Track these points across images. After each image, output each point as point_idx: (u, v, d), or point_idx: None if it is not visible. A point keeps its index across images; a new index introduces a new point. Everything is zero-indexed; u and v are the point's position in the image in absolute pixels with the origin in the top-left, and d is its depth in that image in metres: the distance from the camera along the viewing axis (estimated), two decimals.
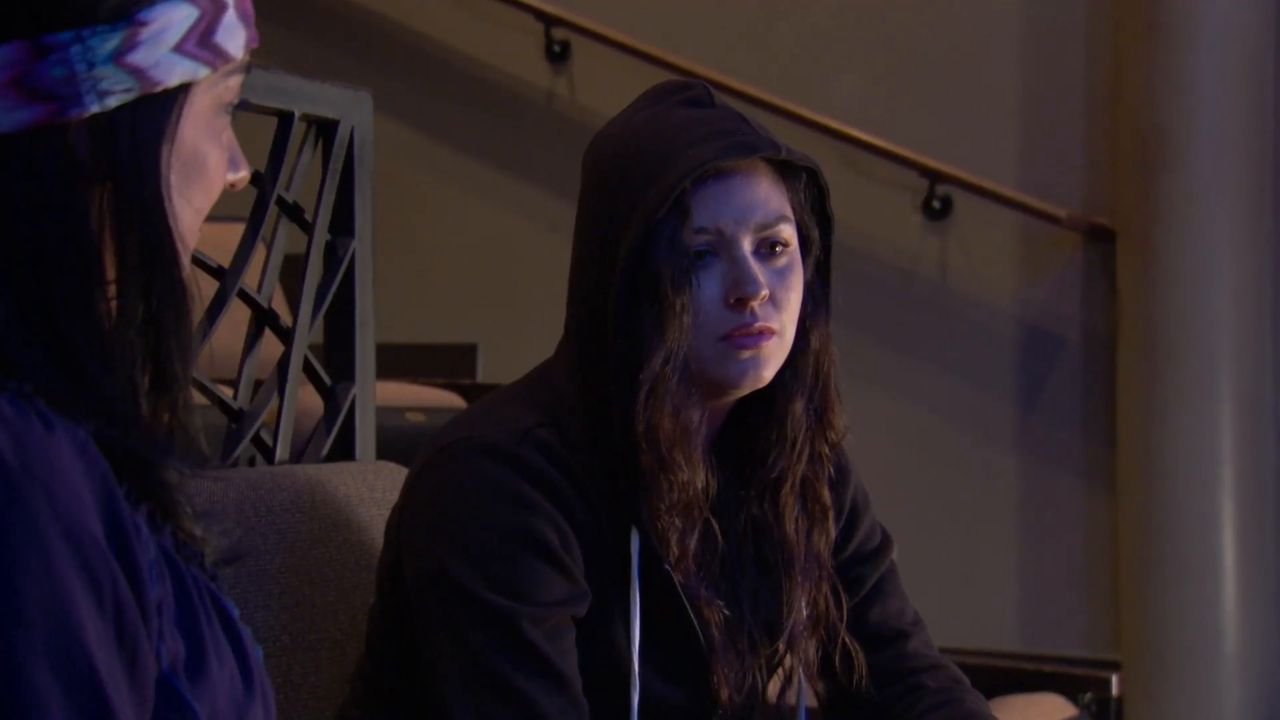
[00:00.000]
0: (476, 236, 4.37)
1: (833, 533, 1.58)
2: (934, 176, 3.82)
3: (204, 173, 1.01)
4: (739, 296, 1.45)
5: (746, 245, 1.46)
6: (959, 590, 3.81)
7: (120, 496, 0.91)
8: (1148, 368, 3.52)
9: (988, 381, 3.84)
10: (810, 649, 1.55)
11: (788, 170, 1.49)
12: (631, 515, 1.45)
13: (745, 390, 1.48)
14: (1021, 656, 3.66)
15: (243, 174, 1.06)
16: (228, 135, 1.04)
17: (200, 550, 1.02)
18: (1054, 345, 3.79)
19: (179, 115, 0.98)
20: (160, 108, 0.97)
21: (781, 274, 1.48)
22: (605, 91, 4.14)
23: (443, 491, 1.46)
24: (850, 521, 1.64)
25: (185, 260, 0.99)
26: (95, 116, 0.95)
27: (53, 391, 0.92)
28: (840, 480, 1.62)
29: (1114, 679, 3.16)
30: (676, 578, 1.46)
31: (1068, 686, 3.06)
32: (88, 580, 0.87)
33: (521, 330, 4.41)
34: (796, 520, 1.54)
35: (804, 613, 1.54)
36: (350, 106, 1.94)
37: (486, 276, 4.36)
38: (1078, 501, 3.75)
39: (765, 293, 1.45)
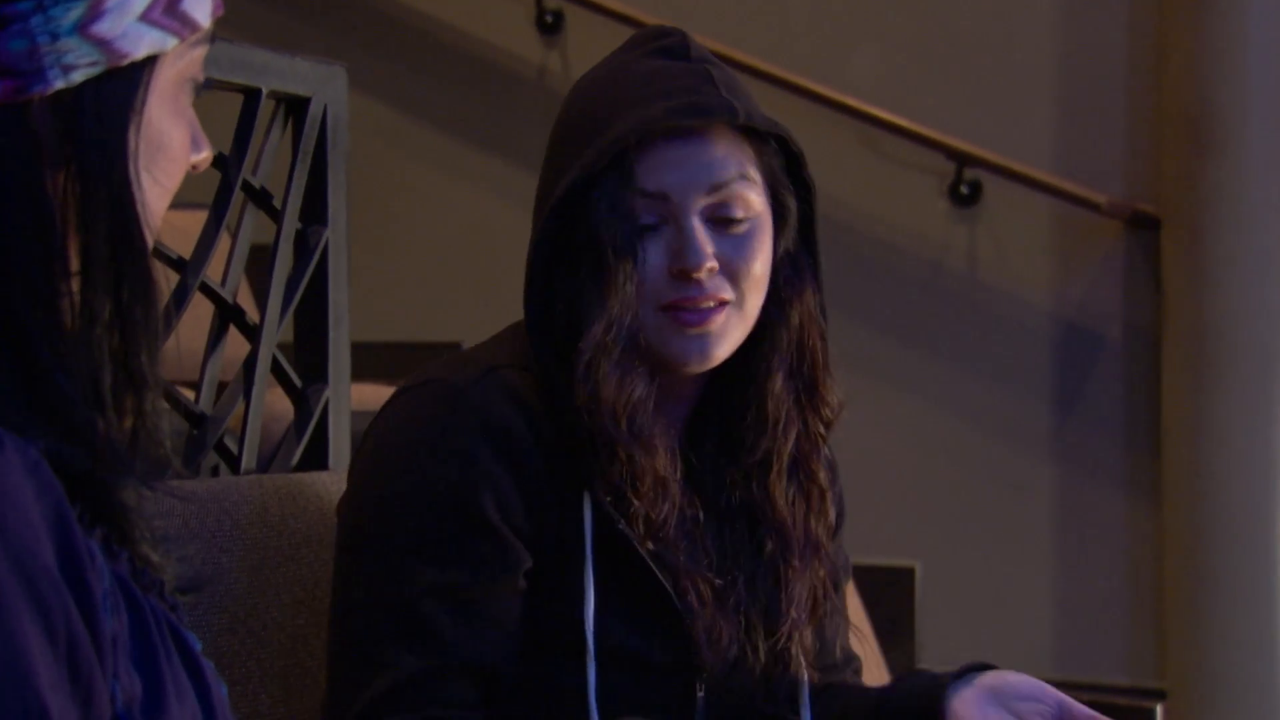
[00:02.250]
0: (461, 224, 4.36)
1: (831, 515, 1.61)
2: (962, 159, 3.82)
3: (169, 154, 1.00)
4: (682, 268, 1.47)
5: (696, 212, 1.48)
6: (989, 612, 3.80)
7: (74, 521, 0.91)
8: (1196, 368, 3.51)
9: (1020, 384, 3.83)
10: (808, 636, 1.58)
11: (754, 134, 1.50)
12: (584, 480, 1.48)
13: (696, 368, 1.51)
14: (1058, 685, 3.66)
15: (205, 155, 1.06)
16: (191, 113, 1.03)
17: (159, 578, 1.01)
18: (1093, 344, 3.79)
19: (146, 91, 0.98)
20: (127, 83, 0.97)
21: (738, 242, 1.50)
22: None
23: (385, 439, 1.51)
24: (836, 525, 1.67)
25: (152, 249, 1.00)
26: (59, 93, 0.94)
27: (4, 399, 0.92)
28: (831, 471, 1.65)
29: (1159, 709, 3.16)
30: (646, 546, 1.48)
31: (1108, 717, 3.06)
32: (39, 615, 0.87)
33: (509, 327, 4.40)
34: (791, 503, 1.56)
35: (804, 600, 1.56)
36: (322, 82, 1.94)
37: (471, 269, 4.36)
38: (1119, 515, 3.74)
39: (711, 264, 1.47)
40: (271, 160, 1.90)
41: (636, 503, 1.48)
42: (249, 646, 1.63)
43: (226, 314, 1.85)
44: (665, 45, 1.52)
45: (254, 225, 1.89)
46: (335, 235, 1.95)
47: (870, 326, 3.89)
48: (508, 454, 1.46)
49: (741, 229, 1.49)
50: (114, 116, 0.96)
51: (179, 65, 1.01)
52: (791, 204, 1.54)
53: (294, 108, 1.92)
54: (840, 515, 1.69)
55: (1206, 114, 3.50)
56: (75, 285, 0.96)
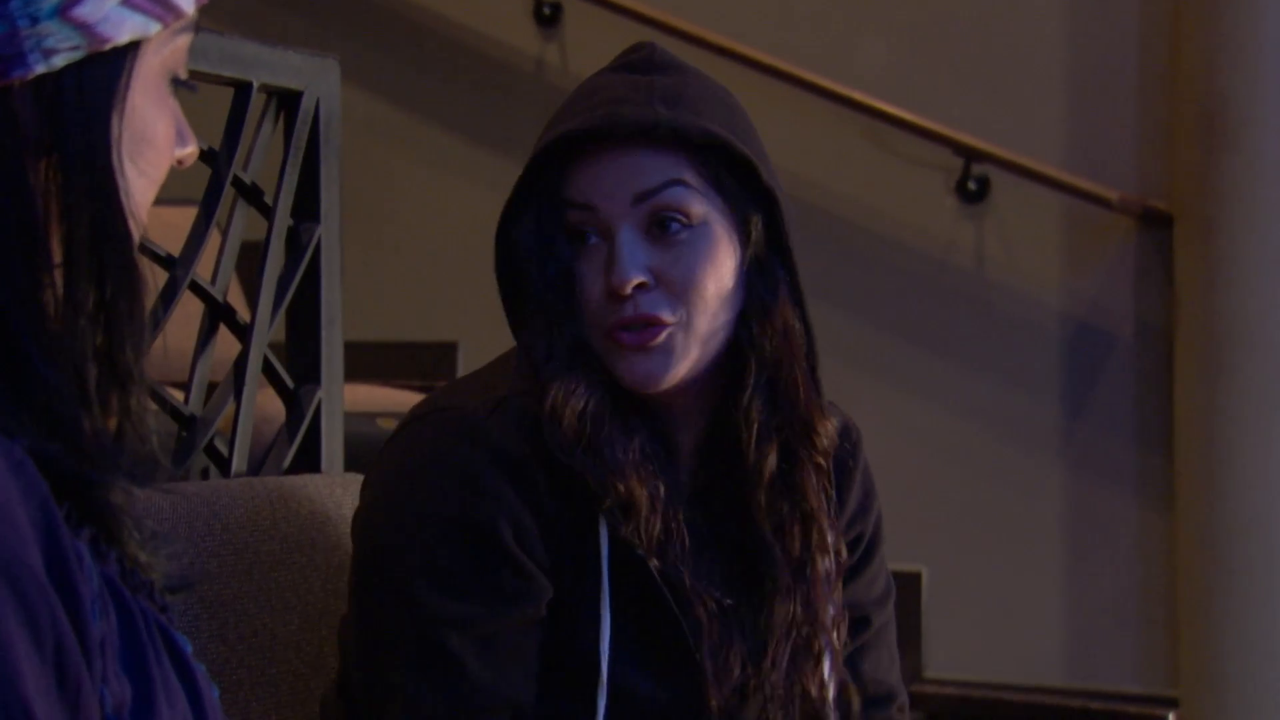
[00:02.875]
0: (457, 221, 4.36)
1: (828, 538, 1.57)
2: (969, 154, 3.82)
3: (153, 144, 1.00)
4: (608, 287, 1.46)
5: (625, 224, 1.46)
6: (997, 619, 3.80)
7: (61, 522, 0.91)
8: (1209, 368, 3.51)
9: (1029, 385, 3.83)
10: (824, 670, 1.56)
11: (688, 141, 1.47)
12: (597, 506, 1.48)
13: (650, 390, 1.49)
14: (1068, 693, 3.66)
15: (190, 149, 1.06)
16: (174, 105, 1.03)
17: (149, 579, 1.01)
18: (1104, 343, 3.79)
19: (128, 78, 0.98)
20: (109, 69, 0.97)
21: (679, 254, 1.47)
22: (601, 59, 4.13)
23: (397, 469, 1.51)
24: (867, 552, 1.65)
25: (137, 241, 0.99)
26: (40, 79, 0.94)
27: None
28: (863, 508, 1.62)
29: (1171, 718, 3.16)
30: (654, 564, 1.47)
31: None
32: (25, 619, 0.87)
33: (506, 326, 4.40)
34: (776, 528, 1.54)
35: (783, 621, 1.53)
36: (315, 75, 1.94)
37: (468, 266, 4.35)
38: (1130, 518, 3.74)
39: (639, 279, 1.45)
40: (263, 155, 1.90)
41: (630, 525, 1.47)
42: (239, 653, 1.63)
43: (216, 313, 1.85)
44: (628, 61, 1.54)
45: (245, 222, 1.89)
46: (328, 232, 1.95)
47: (875, 325, 3.89)
48: (523, 485, 1.46)
49: (679, 238, 1.46)
50: (96, 102, 0.96)
51: (162, 54, 1.00)
52: (752, 214, 1.50)
53: (286, 101, 1.92)
54: (875, 544, 1.66)
55: (1221, 107, 3.50)
56: (58, 278, 0.96)
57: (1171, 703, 3.47)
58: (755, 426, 1.51)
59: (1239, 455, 3.46)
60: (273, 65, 1.89)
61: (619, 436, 1.48)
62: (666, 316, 1.46)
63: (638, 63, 1.53)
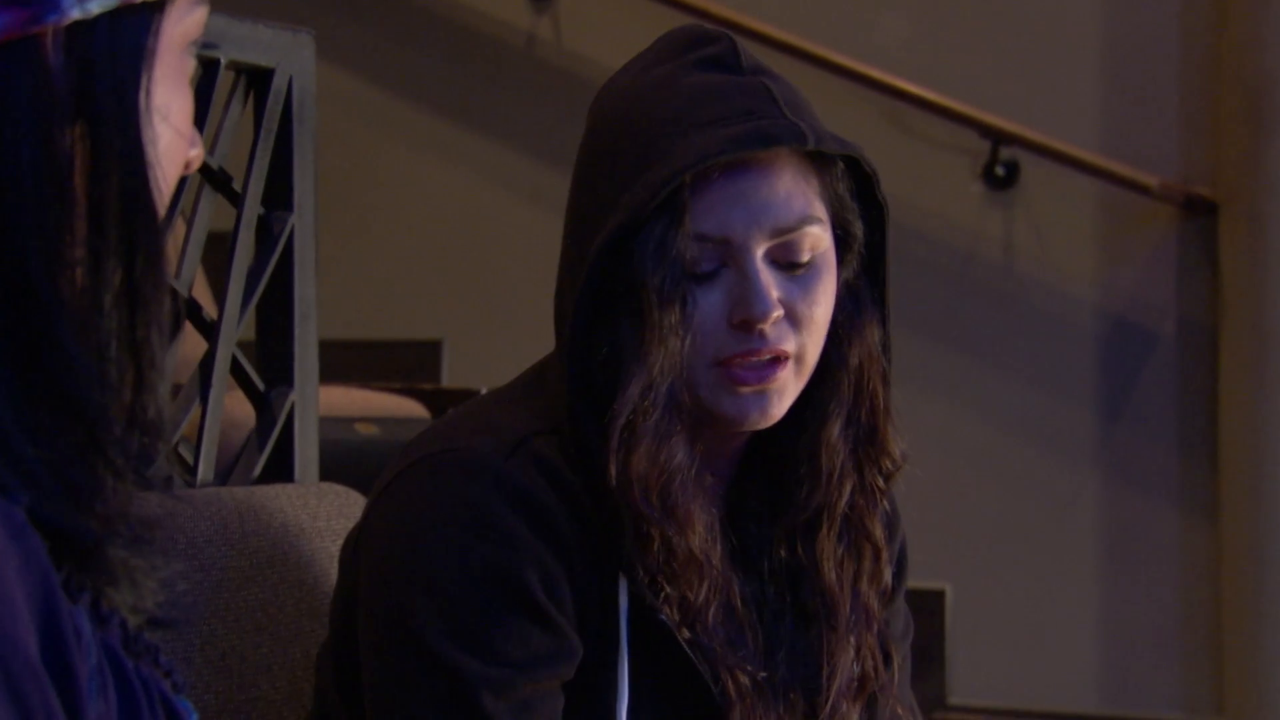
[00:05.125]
0: (442, 209, 4.37)
1: (886, 577, 1.57)
2: (997, 137, 3.82)
3: (173, 127, 1.01)
4: (745, 318, 1.44)
5: (759, 253, 1.44)
6: (1027, 640, 3.81)
7: (59, 594, 0.91)
8: (1257, 369, 3.51)
9: (1062, 387, 3.84)
10: (854, 715, 1.56)
11: (820, 156, 1.48)
12: (619, 562, 1.46)
13: (753, 428, 1.48)
14: None
15: (198, 151, 1.06)
16: (189, 91, 1.04)
17: (154, 643, 1.01)
18: (1143, 342, 3.79)
19: (156, 38, 0.98)
20: (139, 22, 0.97)
21: (804, 285, 1.46)
22: (597, 35, 4.15)
23: (411, 515, 1.47)
24: (893, 587, 1.65)
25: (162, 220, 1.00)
26: (72, 29, 0.95)
27: (12, 379, 0.92)
28: (889, 527, 1.62)
29: None
30: (682, 634, 1.47)
31: None
32: (11, 699, 0.87)
33: (496, 323, 4.42)
34: (840, 564, 1.54)
35: (852, 671, 1.54)
36: (287, 51, 1.94)
37: (454, 258, 4.36)
38: (1172, 533, 3.75)
39: (778, 313, 1.45)
40: (231, 138, 1.91)
41: (669, 588, 1.45)
42: (205, 677, 1.63)
43: (181, 309, 1.85)
44: (714, 55, 1.48)
45: (212, 210, 1.89)
46: (302, 222, 1.95)
47: (894, 323, 3.89)
48: (548, 533, 1.43)
49: (806, 270, 1.46)
50: (128, 61, 0.96)
51: (185, 22, 1.01)
52: (858, 230, 1.51)
53: (256, 80, 1.92)
54: (900, 574, 1.66)
55: (1270, 86, 3.50)
56: (84, 253, 0.96)
57: None
58: (839, 459, 1.51)
59: None
60: (241, 40, 1.89)
61: (696, 487, 1.46)
62: (789, 349, 1.46)
63: (725, 58, 1.47)
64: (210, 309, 1.88)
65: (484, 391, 1.73)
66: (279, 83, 1.92)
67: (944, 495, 3.79)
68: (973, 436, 3.86)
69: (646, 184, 1.41)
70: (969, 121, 3.82)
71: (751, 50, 1.50)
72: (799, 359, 1.47)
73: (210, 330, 1.87)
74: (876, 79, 3.84)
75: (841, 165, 1.49)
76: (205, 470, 1.84)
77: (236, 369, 1.90)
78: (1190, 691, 3.72)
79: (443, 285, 4.36)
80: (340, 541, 1.61)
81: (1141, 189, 3.70)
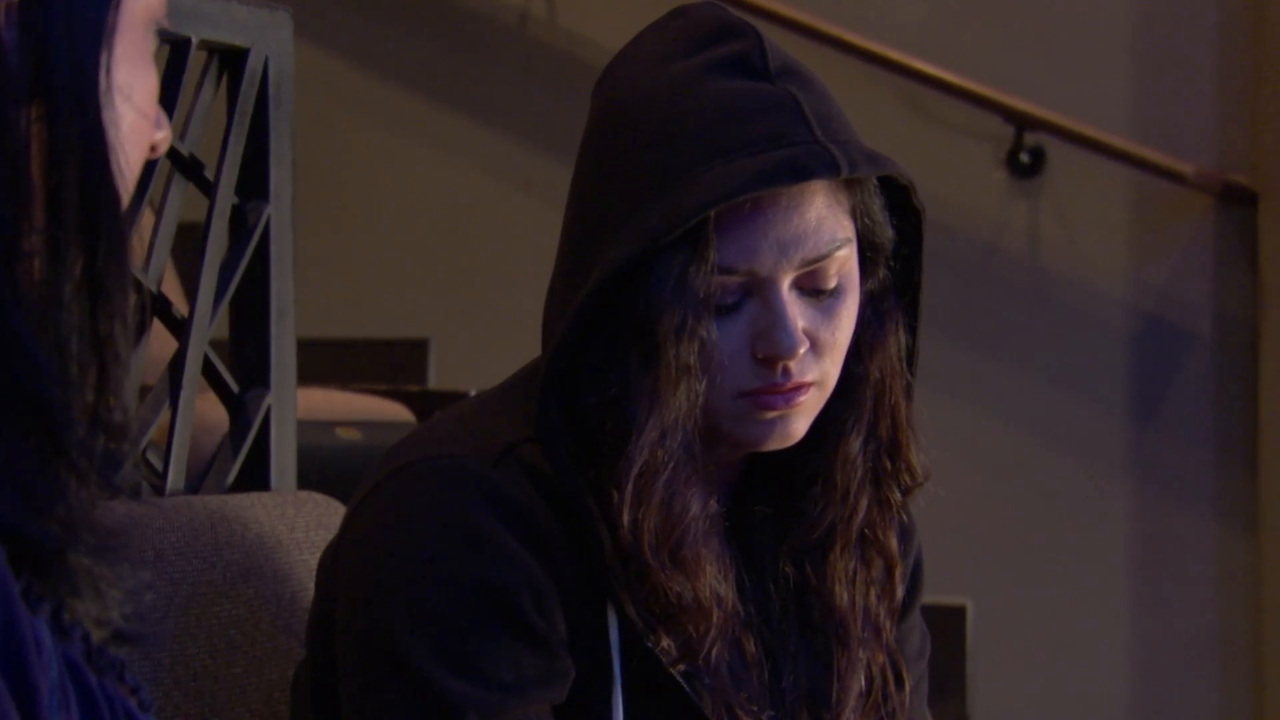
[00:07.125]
0: (429, 200, 4.37)
1: (899, 593, 1.58)
2: (1021, 122, 3.82)
3: (135, 108, 1.01)
4: (769, 354, 1.44)
5: (785, 285, 1.44)
6: (1053, 658, 3.81)
7: (19, 608, 0.91)
8: None
9: (1091, 388, 3.84)
10: None
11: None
12: (609, 589, 1.46)
13: (773, 449, 1.49)
14: None
15: (164, 133, 1.06)
16: (154, 70, 1.04)
17: (118, 657, 1.02)
18: (1178, 341, 3.80)
19: (116, 14, 0.98)
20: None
21: (829, 310, 1.47)
22: (595, 13, 4.15)
23: (391, 526, 1.47)
24: (907, 602, 1.65)
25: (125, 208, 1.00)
26: (26, 1, 0.95)
27: None
28: (904, 539, 1.63)
29: None
30: (678, 669, 1.46)
31: None
32: None
33: (487, 321, 4.42)
34: (852, 580, 1.54)
35: (859, 690, 1.54)
36: (264, 31, 1.94)
37: (441, 252, 4.36)
38: (1208, 544, 3.75)
39: (804, 347, 1.45)
40: (203, 123, 1.91)
41: (664, 630, 1.45)
42: (174, 699, 1.63)
43: (149, 305, 1.85)
44: (737, 55, 1.45)
45: (182, 200, 1.89)
46: (278, 212, 1.95)
47: None
48: (538, 546, 1.43)
49: (833, 295, 1.47)
50: (86, 38, 0.97)
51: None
52: (885, 241, 1.52)
53: (229, 60, 1.92)
54: (915, 589, 1.67)
55: None
56: (38, 243, 0.96)
57: None
58: (857, 475, 1.52)
59: None
60: (214, 18, 1.89)
61: (708, 535, 1.46)
62: (813, 378, 1.46)
63: (751, 60, 1.46)
64: (181, 305, 1.88)
65: (473, 394, 1.73)
66: (254, 64, 1.93)
67: (964, 504, 3.79)
68: (994, 442, 3.86)
69: (664, 214, 1.40)
70: (991, 105, 3.82)
71: (776, 42, 1.48)
72: (820, 385, 1.48)
73: (181, 328, 1.87)
74: (893, 60, 3.84)
75: (875, 178, 1.49)
76: (175, 477, 1.84)
77: (209, 369, 1.90)
78: (1227, 710, 3.72)
79: (429, 280, 4.36)
80: (319, 554, 1.61)
81: (1176, 177, 3.70)
